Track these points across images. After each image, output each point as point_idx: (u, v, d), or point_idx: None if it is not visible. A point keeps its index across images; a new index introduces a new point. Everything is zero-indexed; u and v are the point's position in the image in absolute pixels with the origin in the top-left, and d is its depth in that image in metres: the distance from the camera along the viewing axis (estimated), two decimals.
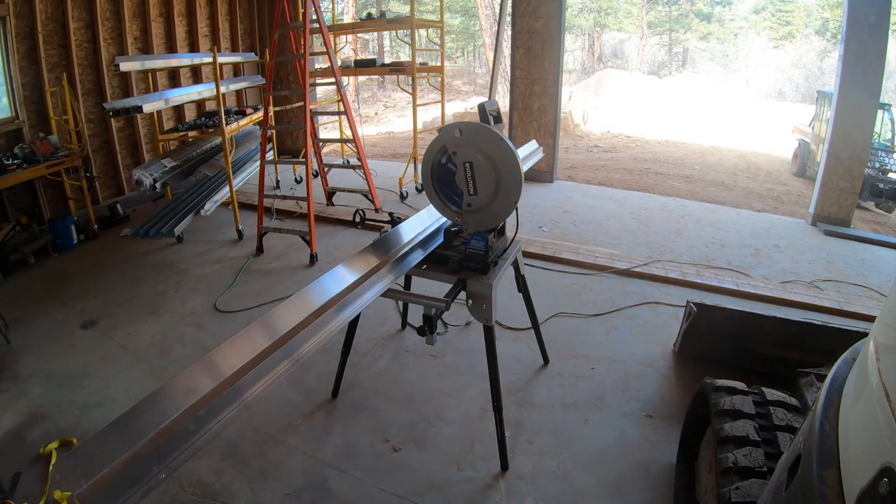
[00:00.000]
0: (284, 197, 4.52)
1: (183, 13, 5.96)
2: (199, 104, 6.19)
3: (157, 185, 4.53)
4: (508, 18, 6.42)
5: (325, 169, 5.24)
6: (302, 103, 4.14)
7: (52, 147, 4.28)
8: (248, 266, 3.92)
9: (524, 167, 1.98)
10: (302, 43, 4.23)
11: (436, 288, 2.04)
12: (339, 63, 5.31)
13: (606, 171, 9.15)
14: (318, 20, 4.24)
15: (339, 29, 5.87)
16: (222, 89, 4.60)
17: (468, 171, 1.86)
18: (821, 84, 16.83)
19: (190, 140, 5.25)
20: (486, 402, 2.07)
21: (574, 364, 2.72)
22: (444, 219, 2.10)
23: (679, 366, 2.72)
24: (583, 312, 3.23)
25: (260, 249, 4.18)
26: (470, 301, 1.93)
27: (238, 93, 6.93)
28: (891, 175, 7.84)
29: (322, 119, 7.28)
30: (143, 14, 5.40)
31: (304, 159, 4.23)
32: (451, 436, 2.24)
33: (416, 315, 3.01)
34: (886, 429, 0.71)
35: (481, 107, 1.93)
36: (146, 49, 5.49)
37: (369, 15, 5.89)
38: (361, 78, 14.69)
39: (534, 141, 3.40)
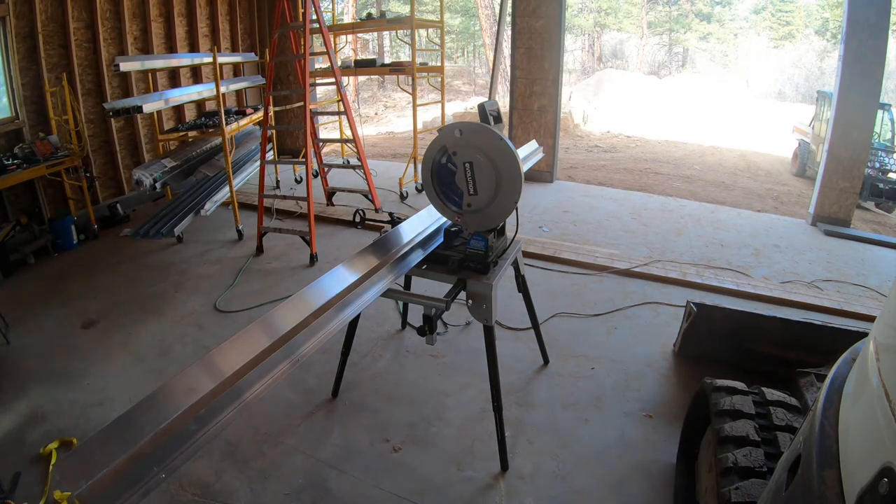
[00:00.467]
0: (284, 197, 4.52)
1: (183, 13, 5.96)
2: (199, 104, 6.19)
3: (157, 185, 4.53)
4: (508, 18, 6.42)
5: (325, 169, 5.24)
6: (302, 103, 4.14)
7: (52, 147, 4.28)
8: (248, 266, 3.92)
9: (524, 167, 1.99)
10: (302, 43, 4.23)
11: (436, 288, 2.04)
12: (339, 63, 5.31)
13: (606, 171, 9.15)
14: (318, 20, 4.24)
15: (339, 29, 5.87)
16: (222, 89, 4.60)
17: (468, 171, 1.86)
18: (821, 84, 16.84)
19: (190, 140, 5.25)
20: (486, 402, 2.07)
21: (574, 364, 2.72)
22: (444, 219, 2.10)
23: (679, 366, 2.72)
24: (583, 312, 3.23)
25: (260, 249, 4.18)
26: (470, 301, 1.93)
27: (238, 93, 6.93)
28: (891, 175, 7.84)
29: (322, 119, 7.28)
30: (143, 14, 5.40)
31: (304, 159, 4.24)
32: (451, 436, 2.24)
33: (416, 315, 3.01)
34: (886, 429, 0.71)
35: (481, 107, 1.93)
36: (146, 49, 5.49)
37: (369, 15, 5.89)
38: (361, 78, 14.70)
39: (534, 141, 3.40)
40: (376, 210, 4.54)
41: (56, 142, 4.35)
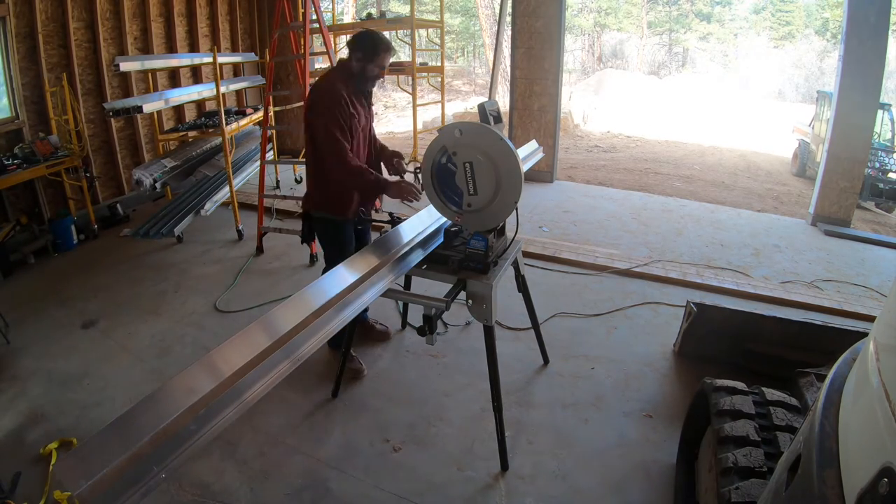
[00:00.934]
0: (284, 197, 4.52)
1: (183, 13, 5.96)
2: (199, 104, 6.19)
3: (157, 185, 4.53)
4: (508, 18, 6.42)
5: None
6: (302, 103, 4.14)
7: (52, 147, 4.27)
8: (248, 266, 3.92)
9: (524, 167, 1.98)
10: (302, 43, 4.22)
11: (436, 288, 2.04)
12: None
13: (606, 171, 9.15)
14: (318, 20, 4.23)
15: (339, 29, 5.88)
16: (222, 89, 4.60)
17: (468, 171, 1.86)
18: (821, 84, 16.84)
19: (190, 140, 5.25)
20: (486, 402, 2.07)
21: (574, 364, 2.73)
22: (444, 219, 2.10)
23: (679, 366, 2.72)
24: (583, 312, 3.23)
25: (260, 249, 4.18)
26: (470, 301, 1.93)
27: (238, 93, 6.93)
28: (891, 175, 7.84)
29: None
30: (143, 14, 5.39)
31: (304, 159, 4.23)
32: (451, 436, 2.24)
33: (416, 315, 3.01)
34: (886, 429, 0.71)
35: (481, 107, 1.93)
36: (146, 49, 5.49)
37: (369, 15, 5.90)
38: None
39: (534, 141, 3.40)
40: (376, 210, 4.53)
41: (56, 142, 4.35)
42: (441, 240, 2.06)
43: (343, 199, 2.43)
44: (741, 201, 7.58)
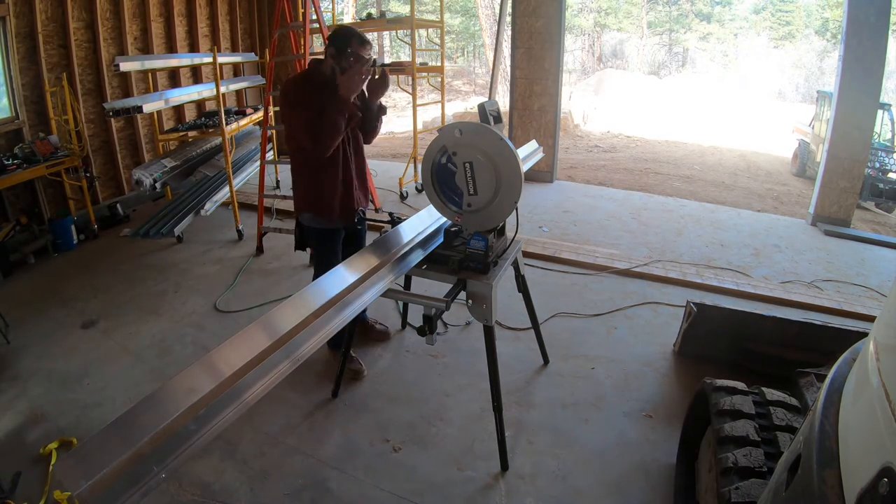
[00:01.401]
0: (284, 197, 4.50)
1: (183, 13, 5.96)
2: (199, 104, 6.19)
3: (157, 185, 4.53)
4: (508, 18, 6.42)
5: None
6: None
7: (52, 147, 4.27)
8: (248, 266, 3.92)
9: (524, 167, 1.98)
10: (302, 43, 4.22)
11: (436, 288, 2.04)
12: None
13: (606, 171, 9.15)
14: (318, 20, 4.24)
15: None
16: (222, 89, 4.60)
17: (468, 171, 1.86)
18: (821, 84, 16.85)
19: (190, 140, 5.25)
20: (486, 402, 2.07)
21: (574, 364, 2.73)
22: (444, 219, 2.10)
23: (679, 366, 2.72)
24: (583, 312, 3.23)
25: (260, 249, 4.18)
26: (470, 301, 1.93)
27: (238, 93, 6.93)
28: (891, 175, 7.85)
29: None
30: (143, 14, 5.39)
31: None
32: (451, 436, 2.24)
33: (416, 315, 3.01)
34: (886, 429, 0.71)
35: (481, 107, 1.93)
36: (146, 49, 5.49)
37: (369, 15, 5.89)
38: None
39: (534, 141, 3.40)
40: (376, 210, 4.54)
41: (56, 142, 4.35)
42: (441, 240, 2.06)
43: (323, 194, 2.38)
44: (741, 201, 7.59)
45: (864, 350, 0.93)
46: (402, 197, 5.46)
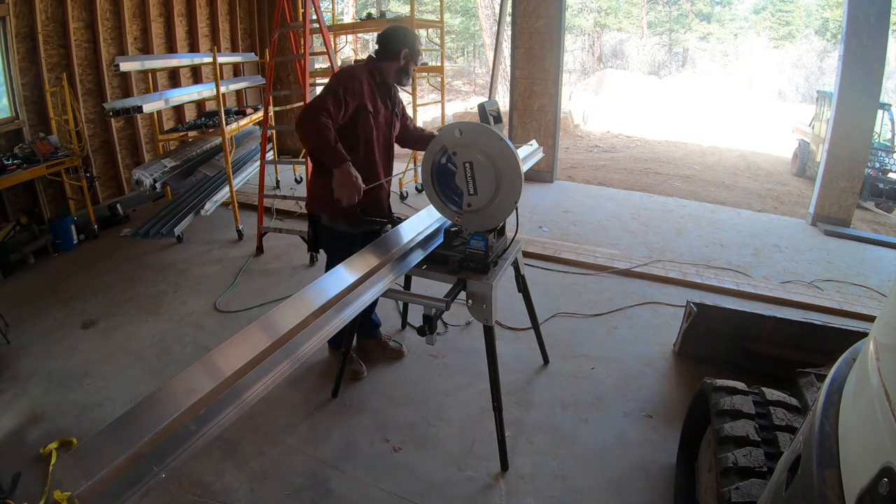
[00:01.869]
0: (284, 197, 4.52)
1: (183, 13, 5.96)
2: (199, 104, 6.19)
3: (157, 185, 4.53)
4: (508, 18, 6.42)
5: None
6: (302, 103, 4.14)
7: (52, 147, 4.27)
8: (248, 266, 3.92)
9: (524, 167, 1.98)
10: (302, 43, 4.23)
11: (436, 288, 2.04)
12: (339, 63, 5.30)
13: (606, 171, 9.15)
14: (318, 20, 4.23)
15: (339, 29, 5.87)
16: (222, 89, 4.60)
17: (468, 171, 1.86)
18: (821, 84, 16.84)
19: (190, 140, 5.25)
20: (486, 402, 2.07)
21: (574, 364, 2.73)
22: (444, 219, 2.10)
23: (679, 366, 2.72)
24: (583, 312, 3.23)
25: (260, 249, 4.18)
26: (470, 301, 1.93)
27: (238, 93, 6.93)
28: (891, 175, 7.85)
29: None
30: (143, 14, 5.39)
31: (304, 159, 4.24)
32: (451, 436, 2.24)
33: (416, 315, 3.01)
34: (886, 429, 0.71)
35: (481, 107, 1.92)
36: (146, 49, 5.49)
37: (369, 15, 5.89)
38: None
39: (534, 141, 3.40)
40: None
41: (56, 142, 4.35)
42: (441, 240, 2.06)
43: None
44: (741, 201, 7.58)
45: (864, 350, 0.93)
46: (402, 197, 5.46)
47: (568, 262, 3.91)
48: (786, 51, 21.21)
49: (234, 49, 6.85)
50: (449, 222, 2.08)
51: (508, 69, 6.33)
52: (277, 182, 5.99)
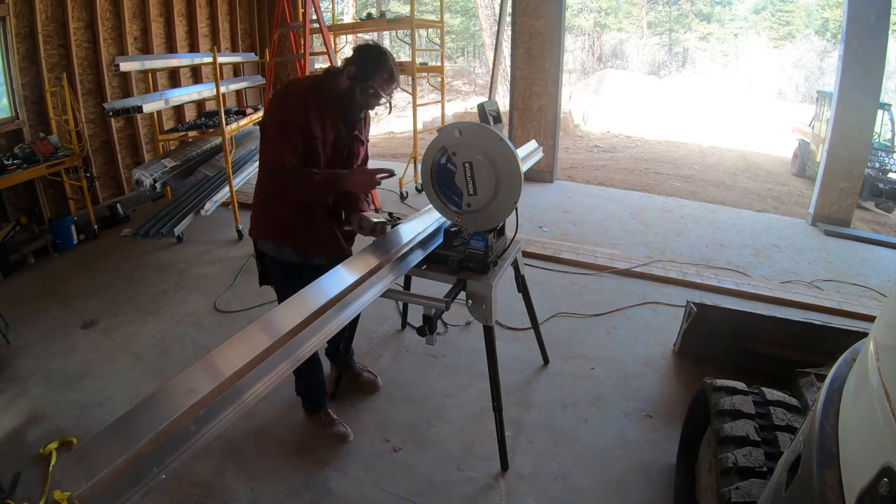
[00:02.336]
0: None
1: (183, 13, 5.96)
2: (199, 104, 6.18)
3: (157, 185, 4.53)
4: (508, 18, 6.42)
5: None
6: None
7: (52, 147, 4.27)
8: (248, 266, 3.92)
9: (524, 167, 1.98)
10: (302, 43, 4.22)
11: (436, 288, 2.04)
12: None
13: (606, 171, 9.15)
14: (318, 20, 4.24)
15: (339, 29, 5.87)
16: (222, 89, 4.60)
17: (468, 172, 1.85)
18: (821, 84, 16.84)
19: (190, 140, 5.25)
20: (486, 402, 2.07)
21: (574, 364, 2.73)
22: (444, 219, 2.10)
23: (679, 366, 2.72)
24: (583, 312, 3.23)
25: None
26: (470, 301, 1.93)
27: (238, 93, 6.93)
28: (891, 175, 7.85)
29: None
30: (143, 14, 5.39)
31: None
32: (451, 436, 2.24)
33: (416, 315, 3.01)
34: (886, 429, 0.71)
35: (481, 107, 1.92)
36: (146, 49, 5.49)
37: (369, 15, 5.88)
38: None
39: (534, 141, 3.40)
40: (376, 210, 4.53)
41: (56, 142, 4.35)
42: (441, 240, 2.06)
43: (290, 221, 1.94)
44: (741, 201, 7.59)
45: (864, 350, 0.93)
46: (402, 197, 5.46)
47: (568, 262, 3.91)
48: (786, 51, 21.21)
49: (234, 49, 6.85)
50: (449, 222, 2.08)
51: (508, 69, 6.33)
52: None
